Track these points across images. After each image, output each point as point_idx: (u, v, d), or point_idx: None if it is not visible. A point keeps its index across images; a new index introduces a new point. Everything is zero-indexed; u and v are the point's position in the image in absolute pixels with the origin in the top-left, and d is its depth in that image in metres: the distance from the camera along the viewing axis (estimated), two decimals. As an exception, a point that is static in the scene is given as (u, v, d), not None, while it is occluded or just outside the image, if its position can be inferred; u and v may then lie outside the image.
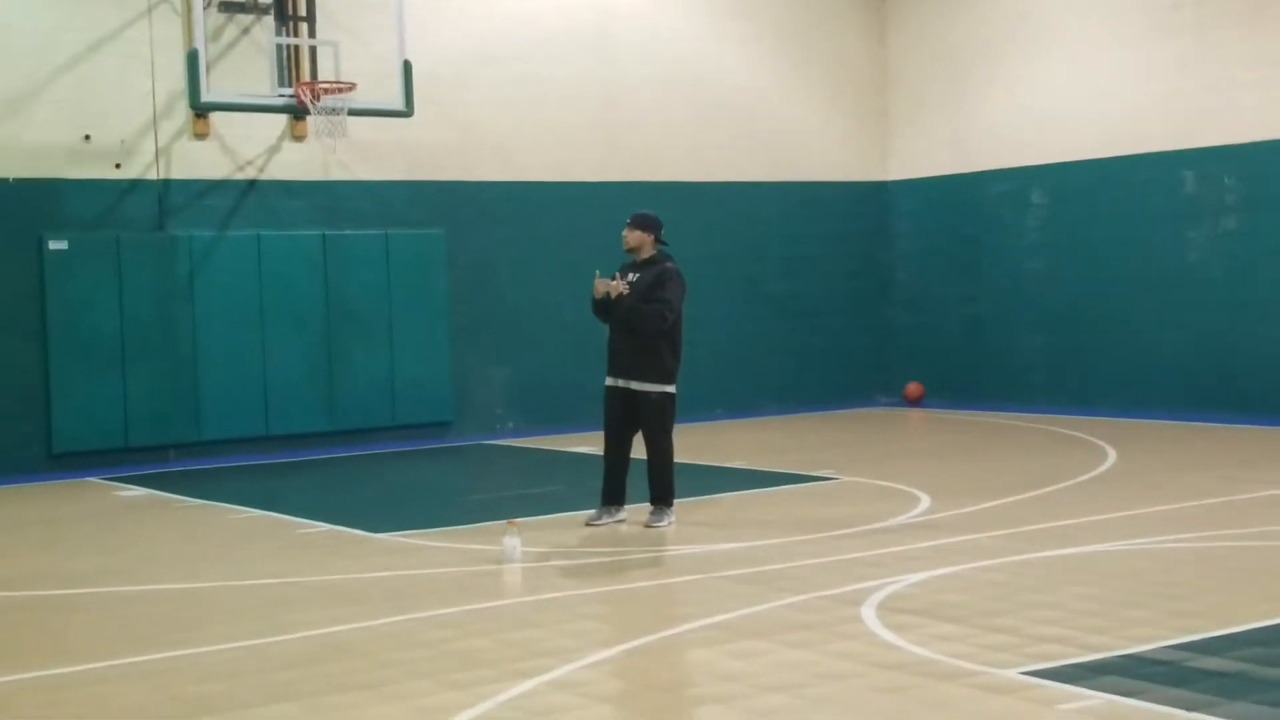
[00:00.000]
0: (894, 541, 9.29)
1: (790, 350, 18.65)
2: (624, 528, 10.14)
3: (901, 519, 10.15)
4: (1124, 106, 16.85)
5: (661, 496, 10.22)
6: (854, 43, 19.24)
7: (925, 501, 10.83)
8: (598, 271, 10.23)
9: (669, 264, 10.19)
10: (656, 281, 10.03)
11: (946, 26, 18.74)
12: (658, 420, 10.14)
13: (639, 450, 10.32)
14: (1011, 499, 10.85)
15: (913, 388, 18.84)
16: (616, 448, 10.29)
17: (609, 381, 10.24)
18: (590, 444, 15.14)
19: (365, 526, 10.50)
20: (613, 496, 10.31)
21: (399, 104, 14.88)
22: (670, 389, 10.18)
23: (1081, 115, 17.25)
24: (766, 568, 8.60)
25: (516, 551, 9.00)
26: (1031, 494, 11.07)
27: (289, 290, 15.45)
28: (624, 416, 10.20)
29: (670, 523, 10.13)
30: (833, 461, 13.33)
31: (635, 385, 10.10)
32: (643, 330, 9.97)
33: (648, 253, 10.23)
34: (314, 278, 15.59)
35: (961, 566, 8.42)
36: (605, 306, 10.18)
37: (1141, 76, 16.66)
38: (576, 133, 17.33)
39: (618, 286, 10.03)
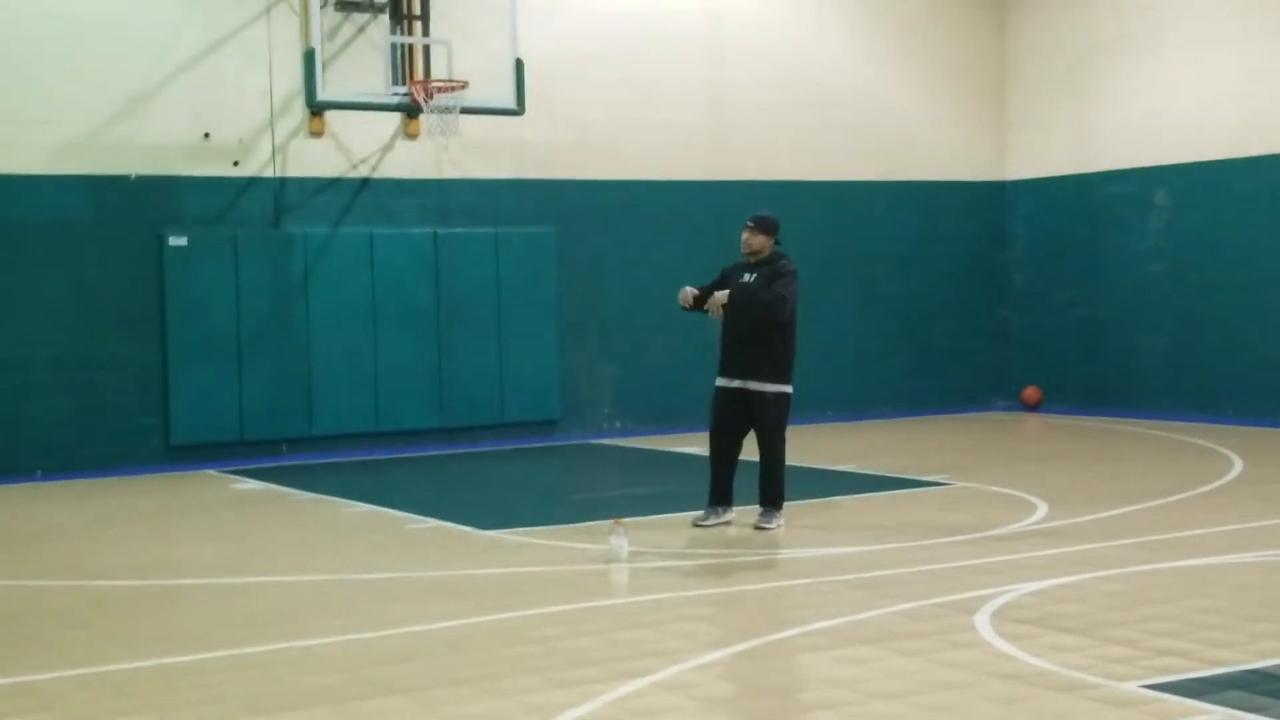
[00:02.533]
0: (1009, 549, 9.09)
1: (904, 352, 18.40)
2: (732, 530, 10.04)
3: (1017, 526, 9.93)
4: (1250, 106, 16.41)
5: (772, 499, 10.11)
6: (971, 38, 18.95)
7: (1042, 509, 10.60)
8: (686, 287, 10.15)
9: (784, 262, 10.11)
10: (773, 278, 9.95)
11: (1067, 21, 18.38)
12: (774, 421, 10.05)
13: (747, 451, 10.21)
14: (1132, 508, 10.57)
15: (1030, 392, 18.50)
16: (726, 449, 10.19)
17: (722, 382, 10.13)
18: (697, 445, 15.06)
19: (473, 523, 10.51)
20: (721, 497, 10.22)
21: (510, 102, 14.91)
22: (788, 389, 10.09)
23: (1206, 114, 16.83)
24: (878, 573, 8.45)
25: (623, 551, 8.94)
26: (1153, 503, 10.78)
27: (400, 287, 15.55)
28: (737, 417, 10.10)
29: (779, 525, 10.02)
30: (947, 466, 13.12)
31: (753, 385, 9.99)
32: (760, 317, 9.84)
33: (766, 254, 10.16)
34: (425, 275, 15.68)
35: (1079, 576, 8.20)
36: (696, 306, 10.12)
37: (1269, 75, 16.21)
38: (686, 131, 17.25)
39: (717, 302, 9.95)
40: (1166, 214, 17.31)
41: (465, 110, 14.65)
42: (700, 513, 10.24)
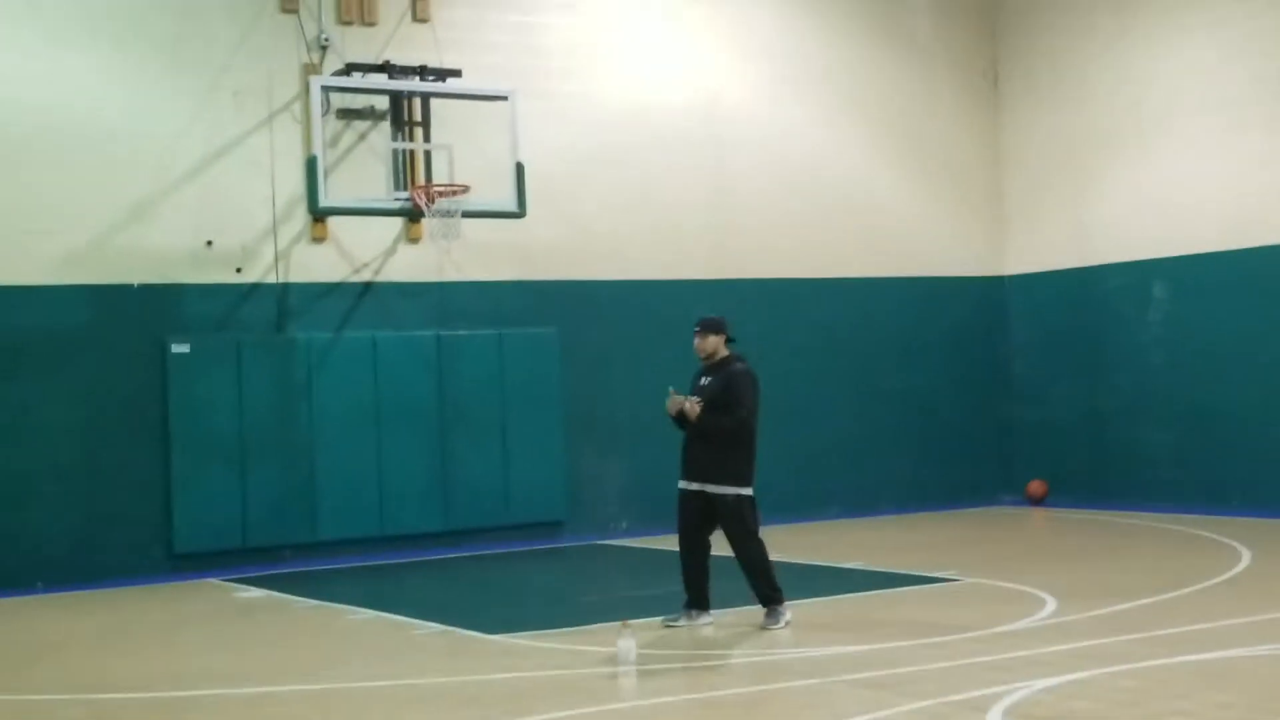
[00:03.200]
0: (1020, 645, 9.00)
1: (908, 447, 18.37)
2: (742, 631, 9.94)
3: (1027, 622, 9.85)
4: (1244, 197, 16.51)
5: (768, 597, 10.04)
6: (967, 134, 19.13)
7: (1051, 604, 10.52)
8: (671, 389, 10.17)
9: (738, 364, 10.13)
10: (727, 384, 9.97)
11: (1060, 117, 18.57)
12: (739, 524, 10.01)
13: (722, 548, 10.18)
14: (1141, 602, 10.49)
15: (1036, 486, 18.44)
16: (694, 552, 10.17)
17: (683, 485, 10.17)
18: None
19: (480, 628, 10.43)
20: (695, 601, 10.17)
21: (512, 205, 14.99)
22: (747, 491, 10.08)
23: (1201, 207, 16.93)
24: (889, 672, 8.37)
25: (632, 654, 8.86)
26: (1162, 597, 10.71)
27: (404, 390, 15.56)
28: (701, 521, 10.09)
29: (785, 623, 9.94)
30: (954, 562, 13.03)
31: (712, 488, 10.00)
32: (719, 440, 9.91)
33: (721, 354, 10.21)
34: (428, 378, 15.70)
35: (1091, 672, 8.12)
36: (681, 418, 10.14)
37: (1261, 167, 16.33)
38: (687, 230, 17.37)
39: (693, 408, 9.96)
40: (1165, 306, 17.36)
41: (467, 214, 14.71)
42: (672, 614, 10.17)
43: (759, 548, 10.07)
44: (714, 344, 10.21)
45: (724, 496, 9.99)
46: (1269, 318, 16.31)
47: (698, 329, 10.28)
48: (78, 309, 14.36)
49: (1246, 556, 12.76)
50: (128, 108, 14.68)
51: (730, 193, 17.63)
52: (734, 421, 9.90)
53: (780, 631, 9.83)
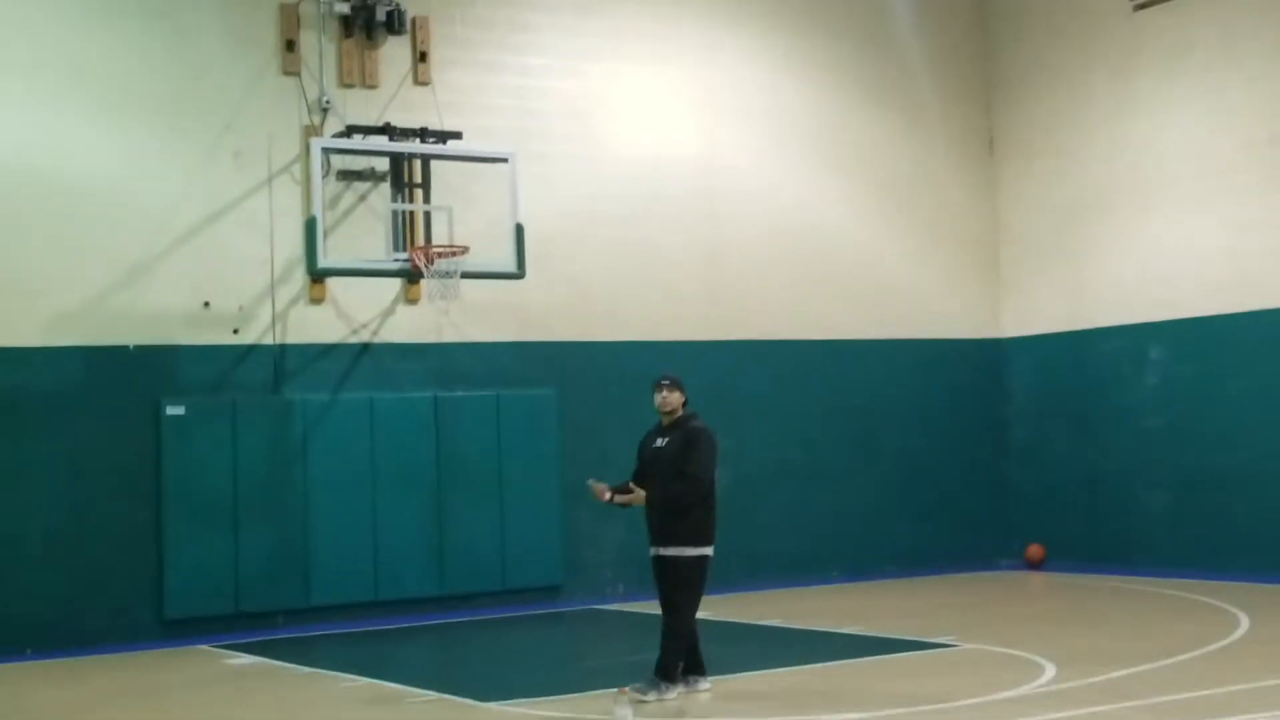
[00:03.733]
0: (1019, 713, 8.92)
1: (907, 510, 18.30)
2: (732, 697, 9.86)
3: (1027, 689, 9.77)
4: (1238, 262, 16.55)
5: (660, 668, 9.79)
6: (963, 197, 19.20)
7: (1051, 670, 10.44)
8: (590, 482, 10.12)
9: (695, 423, 10.05)
10: (686, 443, 9.89)
11: (1056, 180, 18.64)
12: (685, 587, 9.84)
13: (714, 611, 10.06)
14: (1141, 668, 10.42)
15: (1034, 550, 18.36)
16: None
17: (651, 551, 10.06)
18: (701, 609, 14.88)
19: (475, 695, 10.34)
20: (690, 666, 10.03)
21: (511, 266, 14.98)
22: (704, 551, 9.90)
23: (1195, 271, 16.96)
24: (887, 742, 8.29)
25: (628, 721, 8.77)
26: (1162, 663, 10.63)
27: (401, 452, 15.50)
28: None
29: (659, 698, 9.65)
30: (953, 627, 12.94)
31: (672, 550, 9.87)
32: (679, 504, 9.82)
33: (680, 412, 10.15)
34: (425, 439, 15.64)
35: (1092, 743, 8.05)
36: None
37: (1255, 231, 16.38)
38: (685, 291, 17.39)
39: (612, 496, 9.91)
40: (1161, 369, 17.36)
41: (466, 274, 14.73)
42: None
43: (689, 622, 9.84)
44: (678, 400, 10.16)
45: (681, 557, 9.84)
46: (1264, 381, 16.30)
47: (665, 384, 10.18)
48: (72, 370, 14.33)
49: (1245, 622, 12.68)
50: (127, 168, 14.71)
51: (728, 254, 17.67)
52: (692, 489, 9.77)
53: (776, 698, 9.72)
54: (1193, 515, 16.93)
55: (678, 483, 9.78)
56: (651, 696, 9.69)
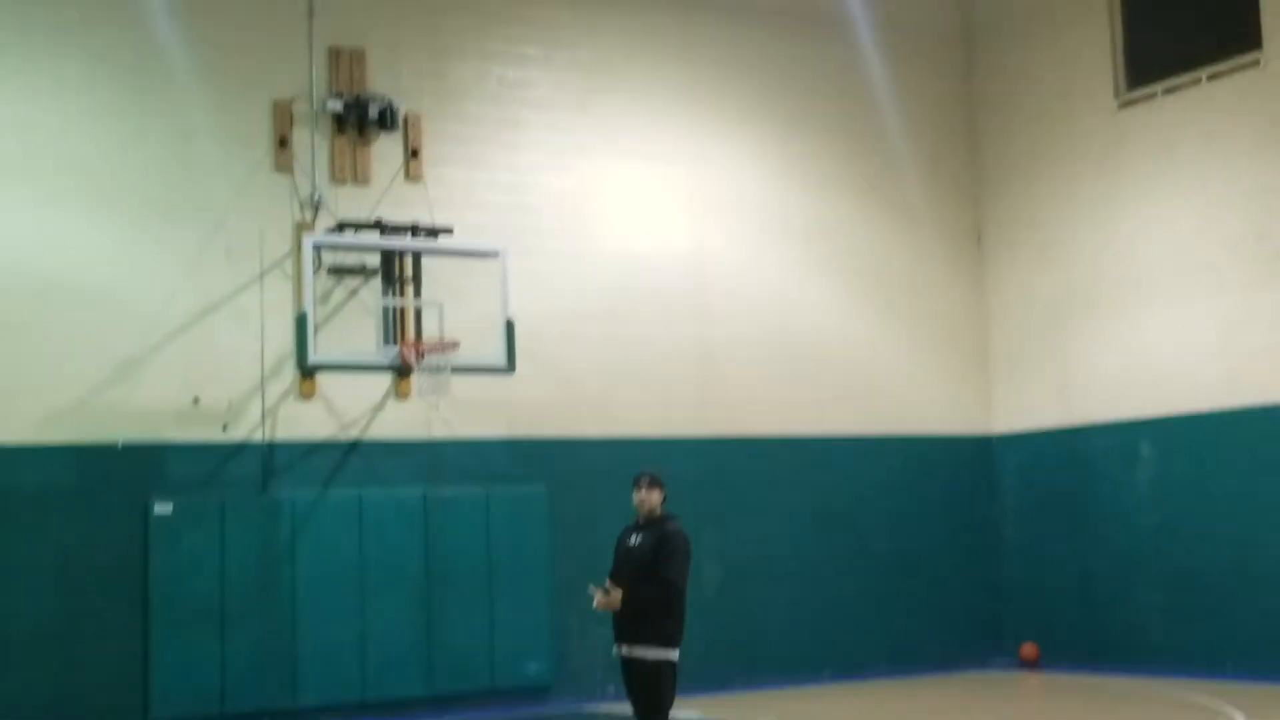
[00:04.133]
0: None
1: (900, 609, 18.13)
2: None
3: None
4: (1226, 359, 16.56)
5: None
6: (952, 292, 19.24)
7: (1057, 780, 10.29)
8: (591, 586, 9.91)
9: (670, 524, 9.81)
10: (659, 545, 9.64)
11: (1044, 277, 18.71)
12: (651, 691, 9.47)
13: (707, 709, 9.86)
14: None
15: (1028, 649, 18.20)
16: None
17: (614, 650, 9.74)
18: (694, 708, 14.70)
19: (470, 805, 10.11)
20: None
21: (501, 361, 14.91)
22: (670, 655, 9.53)
23: (1183, 368, 16.97)
24: None
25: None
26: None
27: (389, 550, 15.31)
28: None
29: None
30: (951, 731, 12.78)
31: (638, 651, 9.61)
32: (649, 606, 9.58)
33: (658, 511, 9.94)
34: (414, 537, 15.46)
35: None
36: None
37: (1243, 329, 16.42)
38: (675, 388, 17.32)
39: (612, 600, 9.65)
40: (1152, 467, 17.32)
41: (456, 370, 14.64)
42: None
43: None
44: (656, 500, 9.95)
45: (644, 660, 9.59)
46: (1256, 478, 16.25)
47: (645, 481, 9.97)
48: (58, 469, 14.15)
49: (1246, 726, 12.57)
50: (118, 264, 14.65)
51: (719, 350, 17.63)
52: (660, 593, 9.54)
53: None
54: (1188, 614, 16.81)
55: (648, 586, 9.55)
56: None
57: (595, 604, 9.57)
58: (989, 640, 18.59)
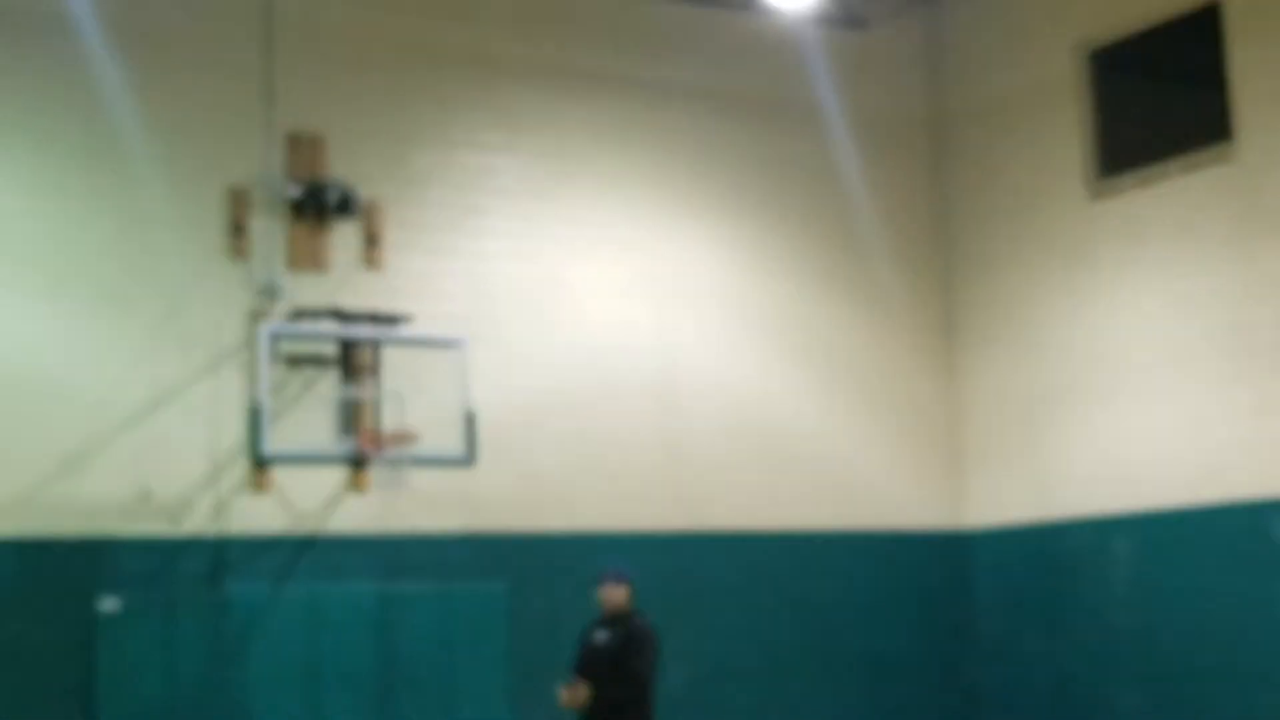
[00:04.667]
0: None
1: (871, 711, 17.69)
2: None
3: None
4: (1201, 454, 16.32)
5: None
6: (924, 385, 19.01)
7: None
8: (559, 684, 9.69)
9: (637, 620, 9.70)
10: (626, 644, 9.54)
11: (1015, 369, 18.52)
12: None
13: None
14: None
15: (1002, 751, 17.85)
16: None
17: None
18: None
19: None
20: None
21: (461, 453, 14.67)
22: None
23: (1158, 462, 16.74)
24: None
25: None
26: None
27: (344, 649, 14.90)
28: None
29: None
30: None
31: None
32: (616, 706, 9.41)
33: (626, 608, 9.79)
34: (370, 636, 15.07)
35: None
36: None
37: (1220, 421, 16.22)
38: (640, 481, 16.99)
39: (575, 699, 9.50)
40: (1129, 564, 17.05)
41: (415, 461, 14.41)
42: None
43: None
44: (622, 597, 9.83)
45: None
46: (1233, 576, 15.98)
47: (611, 578, 9.86)
48: (2, 566, 13.72)
49: (1232, 837, 12.16)
50: (64, 353, 14.28)
51: (684, 442, 17.33)
52: (629, 690, 9.38)
53: None
54: (1167, 714, 16.47)
55: (615, 684, 9.39)
56: None
57: (562, 701, 9.45)
58: (963, 742, 18.21)
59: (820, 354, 18.38)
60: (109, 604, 13.98)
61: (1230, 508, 16.00)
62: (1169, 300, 16.91)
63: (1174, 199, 16.93)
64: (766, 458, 17.75)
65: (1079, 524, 17.55)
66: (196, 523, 14.64)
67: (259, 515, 14.92)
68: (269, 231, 15.26)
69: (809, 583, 17.63)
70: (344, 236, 15.66)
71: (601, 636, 9.55)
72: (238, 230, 15.12)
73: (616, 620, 9.58)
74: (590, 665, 9.43)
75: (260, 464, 14.63)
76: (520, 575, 15.96)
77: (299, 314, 15.09)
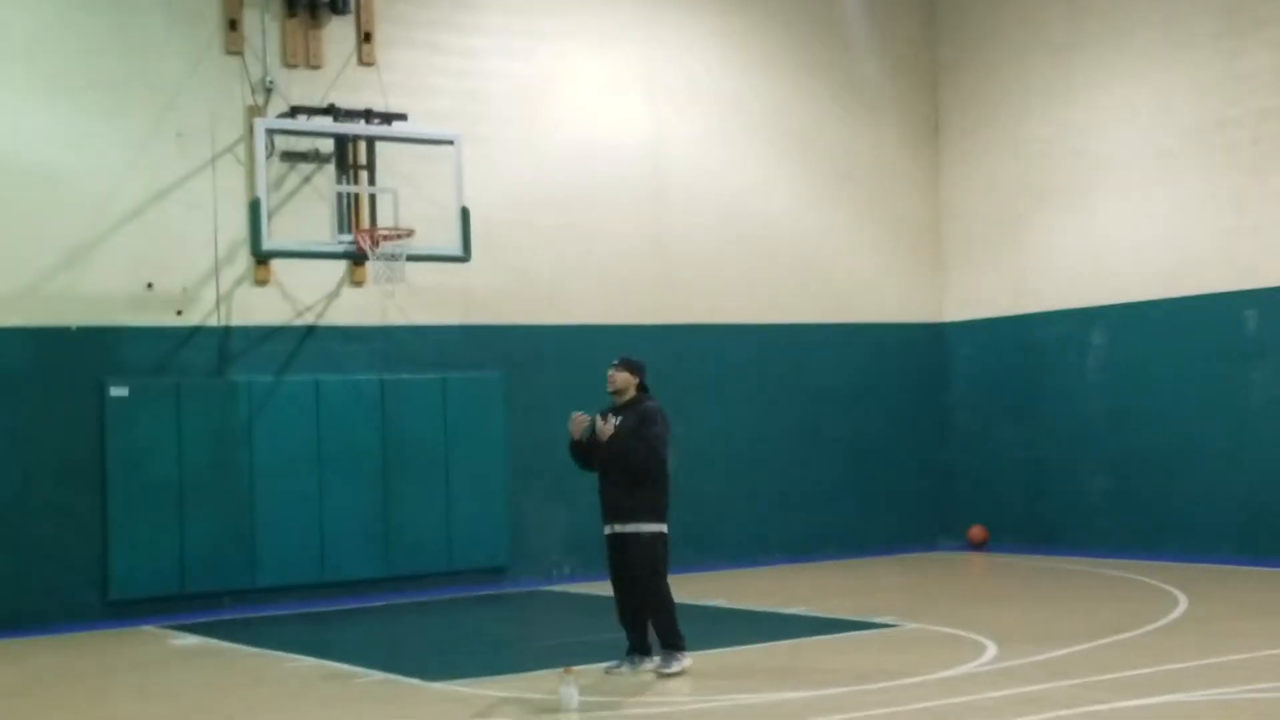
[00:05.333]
0: (961, 691, 9.03)
1: (850, 493, 18.44)
2: (691, 675, 9.91)
3: (968, 668, 9.88)
4: (1179, 246, 16.75)
5: (668, 642, 9.99)
6: (908, 182, 19.31)
7: (992, 649, 10.56)
8: (578, 413, 10.13)
9: (650, 402, 10.16)
10: (641, 420, 9.99)
11: (999, 166, 18.79)
12: (648, 562, 9.97)
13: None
14: (1080, 647, 10.56)
15: (976, 531, 18.55)
16: (627, 597, 10.12)
17: (606, 529, 10.13)
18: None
19: (421, 675, 10.35)
20: (638, 645, 10.12)
21: (456, 249, 14.99)
22: (662, 528, 10.05)
23: (1137, 255, 17.15)
24: (830, 719, 8.37)
25: (574, 700, 8.82)
26: (1101, 642, 10.77)
27: (346, 435, 15.47)
28: (625, 563, 10.06)
29: (682, 668, 9.89)
30: (896, 607, 13.07)
31: (630, 528, 9.96)
32: (634, 467, 9.90)
33: (630, 395, 10.21)
34: (371, 422, 15.61)
35: (1031, 718, 8.15)
36: (583, 450, 10.11)
37: (1199, 216, 16.57)
38: (631, 276, 17.41)
39: (607, 428, 9.94)
40: (1102, 353, 17.56)
41: (411, 258, 14.72)
42: (613, 662, 10.14)
43: (665, 590, 10.03)
44: (625, 381, 10.23)
45: (638, 534, 9.95)
46: (1203, 366, 16.51)
47: (616, 362, 10.29)
48: (14, 352, 14.19)
49: (1183, 601, 12.87)
50: (68, 149, 14.57)
51: (674, 238, 17.69)
52: (645, 445, 9.86)
53: (677, 675, 9.80)
54: (1132, 497, 17.16)
55: (636, 453, 9.86)
56: (674, 668, 9.86)
57: (597, 431, 9.86)
58: (938, 523, 18.93)
59: (808, 151, 18.63)
60: (118, 389, 14.45)
61: (1202, 297, 16.45)
62: (1151, 97, 17.09)
63: (1158, -4, 17.06)
64: (754, 252, 18.14)
65: (1054, 315, 18.02)
66: (200, 314, 15.06)
67: (261, 307, 15.35)
68: (264, 28, 15.39)
69: (794, 373, 18.16)
70: (337, 33, 15.79)
71: (613, 418, 10.03)
72: (232, 26, 15.25)
73: (628, 405, 10.03)
74: (606, 446, 9.90)
75: (260, 258, 15.00)
76: (514, 364, 16.49)
77: (294, 111, 15.28)
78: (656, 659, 10.08)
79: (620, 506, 9.99)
